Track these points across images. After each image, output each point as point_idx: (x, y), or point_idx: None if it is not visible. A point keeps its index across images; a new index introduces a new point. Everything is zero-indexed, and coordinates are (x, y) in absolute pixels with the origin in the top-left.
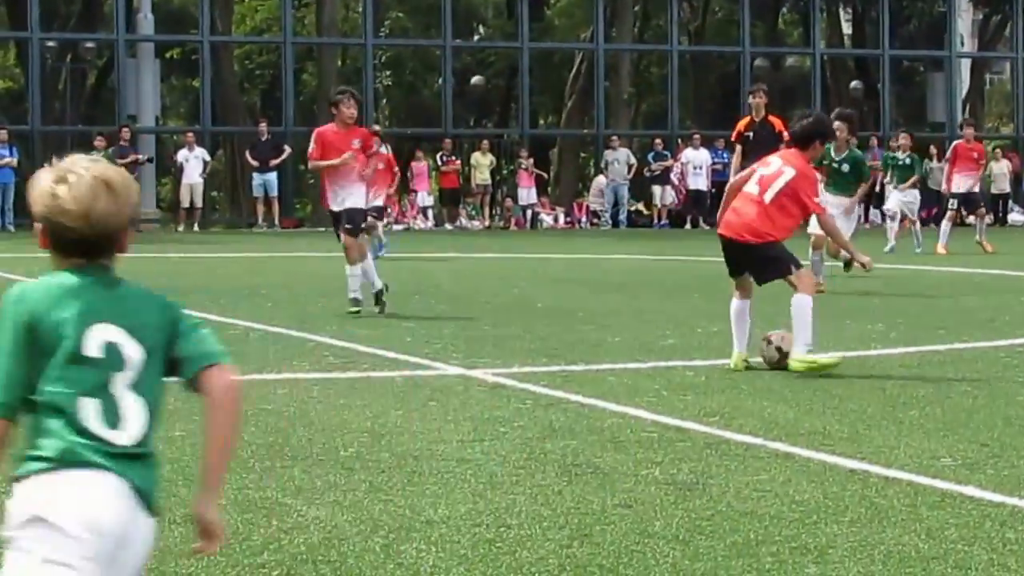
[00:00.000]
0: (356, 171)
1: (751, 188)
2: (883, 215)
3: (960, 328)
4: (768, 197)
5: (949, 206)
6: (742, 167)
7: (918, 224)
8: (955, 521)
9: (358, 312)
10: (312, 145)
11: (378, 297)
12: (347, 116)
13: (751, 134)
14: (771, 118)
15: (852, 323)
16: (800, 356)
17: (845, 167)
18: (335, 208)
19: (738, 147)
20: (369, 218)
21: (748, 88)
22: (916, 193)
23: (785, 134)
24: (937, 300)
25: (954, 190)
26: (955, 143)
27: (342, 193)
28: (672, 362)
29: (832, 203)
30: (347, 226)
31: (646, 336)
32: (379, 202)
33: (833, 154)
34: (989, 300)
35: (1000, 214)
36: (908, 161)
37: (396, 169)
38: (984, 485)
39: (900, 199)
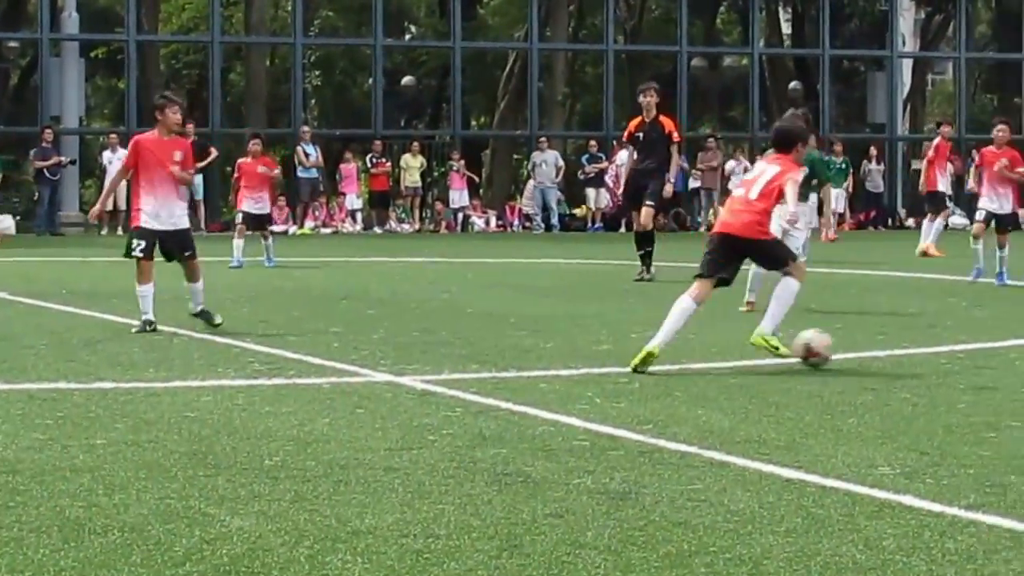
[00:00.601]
0: (176, 187)
1: (738, 192)
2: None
3: (900, 333)
4: (753, 194)
5: (945, 204)
6: (634, 168)
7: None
8: (893, 531)
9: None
10: (128, 154)
11: (205, 316)
12: (172, 123)
13: (641, 134)
14: (661, 118)
15: (789, 329)
16: (765, 335)
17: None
18: (150, 226)
19: (629, 146)
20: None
21: (640, 86)
22: (814, 198)
23: (675, 135)
24: (877, 305)
25: (943, 189)
26: (936, 142)
27: (162, 213)
28: (605, 368)
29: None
30: (186, 254)
31: (579, 342)
32: (266, 209)
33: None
34: (930, 305)
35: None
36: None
37: (276, 172)
38: (923, 494)
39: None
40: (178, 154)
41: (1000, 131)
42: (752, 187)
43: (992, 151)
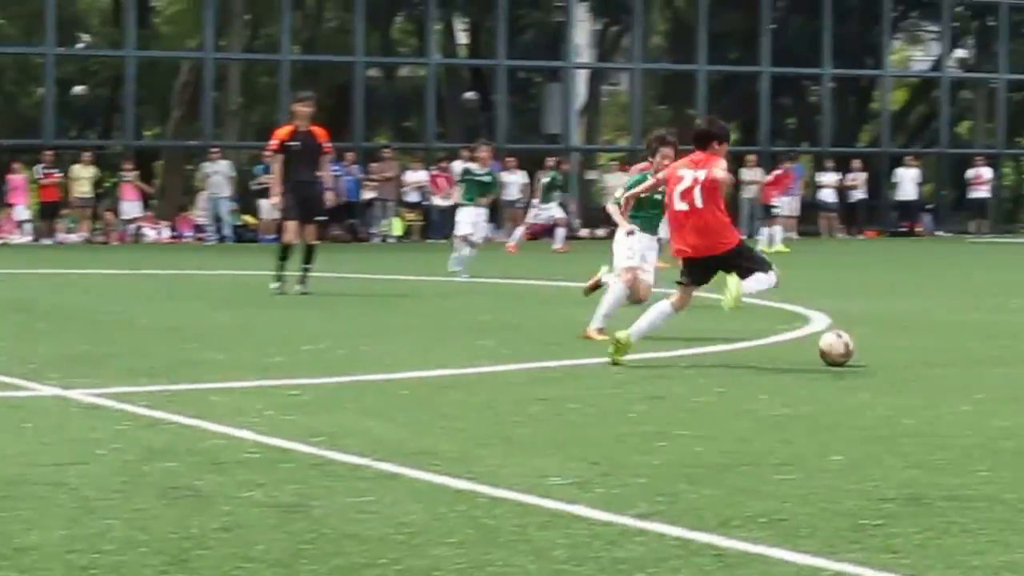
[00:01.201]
0: None
1: (681, 206)
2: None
3: (573, 343)
4: (699, 203)
5: None
6: (285, 178)
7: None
8: (564, 541)
9: None
10: None
11: None
12: None
13: (297, 143)
14: (314, 128)
15: (461, 339)
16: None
17: (487, 178)
18: None
19: (280, 156)
20: None
21: (297, 95)
22: (485, 211)
23: (327, 145)
24: (551, 315)
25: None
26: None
27: None
28: (277, 381)
29: (471, 213)
30: None
31: (251, 354)
32: None
33: (476, 168)
34: None
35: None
36: (488, 178)
37: None
38: (594, 504)
39: (475, 218)
40: None
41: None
42: (694, 197)
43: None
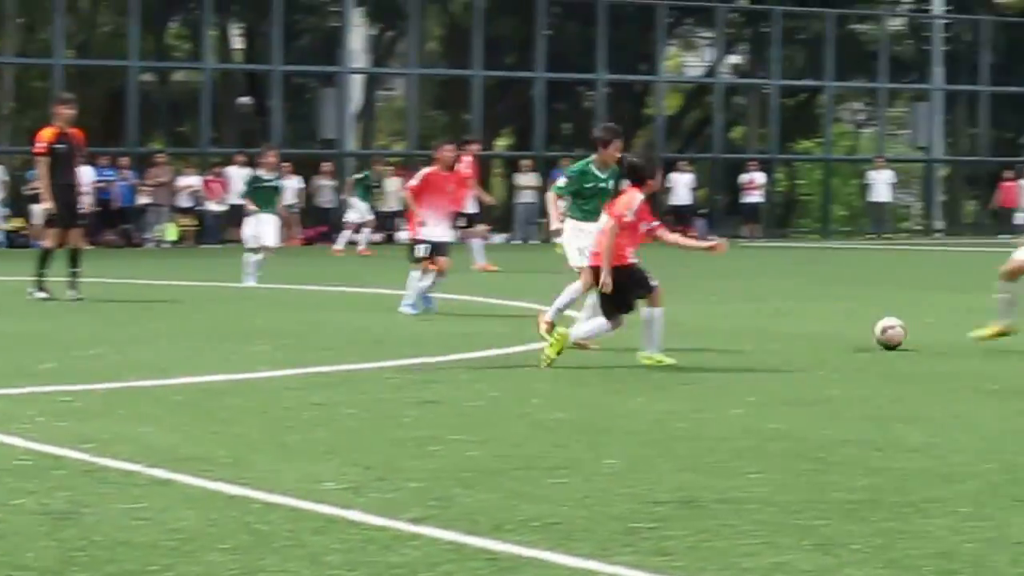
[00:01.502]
0: None
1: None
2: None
3: (347, 348)
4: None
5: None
6: (52, 178)
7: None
8: (338, 546)
9: None
10: None
11: None
12: None
13: (63, 146)
14: (72, 131)
15: (235, 345)
16: (648, 354)
17: (276, 183)
18: None
19: (47, 160)
20: None
21: (60, 96)
22: (276, 218)
23: (82, 148)
24: (325, 320)
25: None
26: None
27: None
28: (48, 387)
29: (267, 220)
30: None
31: (23, 360)
32: None
33: (264, 175)
34: (377, 320)
35: (390, 232)
36: (277, 183)
37: None
38: (368, 509)
39: (266, 225)
40: None
41: (447, 151)
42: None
43: (438, 172)
